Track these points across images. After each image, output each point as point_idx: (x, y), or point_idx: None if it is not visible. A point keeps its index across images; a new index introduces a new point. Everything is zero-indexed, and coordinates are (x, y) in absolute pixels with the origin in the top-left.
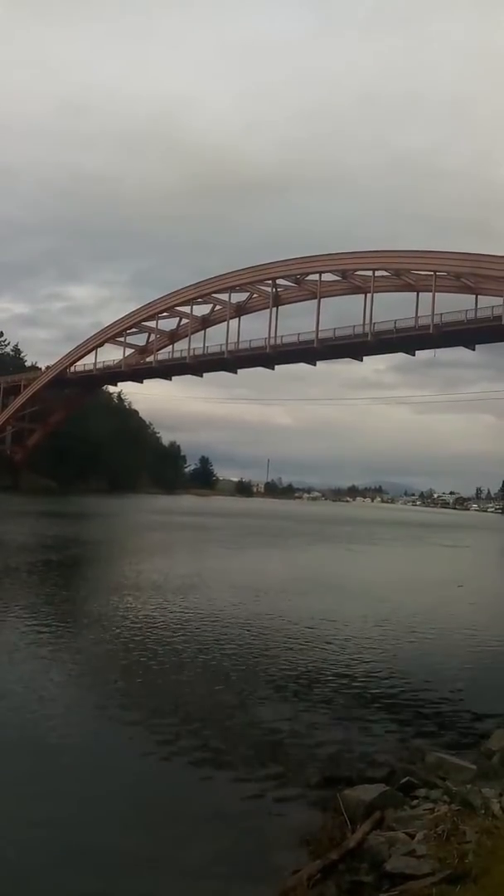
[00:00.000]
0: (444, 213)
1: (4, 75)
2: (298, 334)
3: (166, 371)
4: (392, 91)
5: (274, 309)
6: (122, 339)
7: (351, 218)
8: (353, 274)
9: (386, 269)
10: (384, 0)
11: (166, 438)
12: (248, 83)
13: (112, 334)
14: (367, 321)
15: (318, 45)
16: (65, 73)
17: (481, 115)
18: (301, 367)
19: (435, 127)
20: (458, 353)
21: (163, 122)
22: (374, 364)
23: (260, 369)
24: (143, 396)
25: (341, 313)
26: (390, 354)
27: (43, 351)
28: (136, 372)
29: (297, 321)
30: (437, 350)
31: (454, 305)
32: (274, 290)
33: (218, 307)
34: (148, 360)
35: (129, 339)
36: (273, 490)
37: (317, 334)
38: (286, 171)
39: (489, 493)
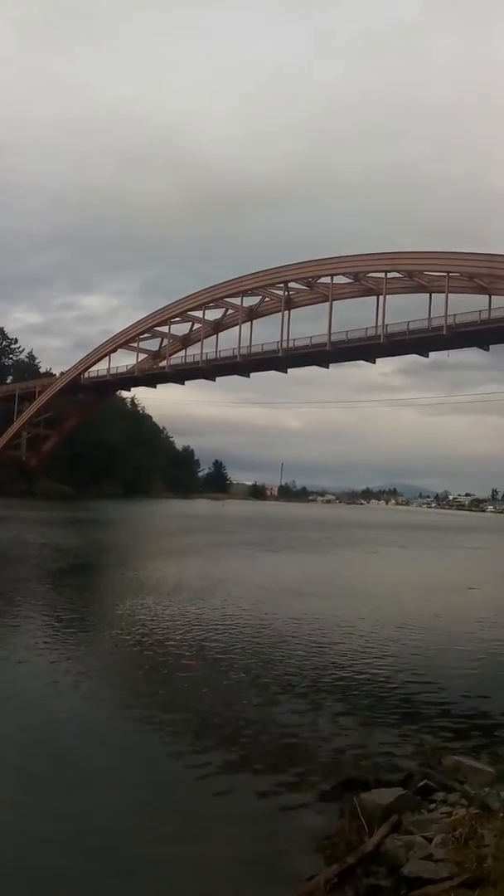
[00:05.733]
0: (442, 218)
1: (18, 95)
2: (310, 337)
3: (179, 376)
4: (388, 103)
5: (286, 312)
6: (134, 344)
7: (351, 225)
8: (366, 276)
9: (398, 271)
10: (378, 19)
11: (179, 443)
12: (248, 99)
13: (125, 340)
14: (380, 323)
15: (315, 61)
16: (73, 93)
17: (475, 125)
18: (310, 371)
19: (431, 136)
20: (464, 354)
21: (167, 137)
22: (381, 367)
23: (270, 373)
24: (157, 401)
25: (350, 318)
26: (397, 357)
27: (56, 359)
28: (150, 377)
29: (307, 325)
30: (445, 351)
31: (467, 306)
32: (286, 293)
33: (230, 311)
34: (161, 364)
35: (142, 345)
36: (287, 493)
37: (329, 336)
38: (287, 180)
39: None
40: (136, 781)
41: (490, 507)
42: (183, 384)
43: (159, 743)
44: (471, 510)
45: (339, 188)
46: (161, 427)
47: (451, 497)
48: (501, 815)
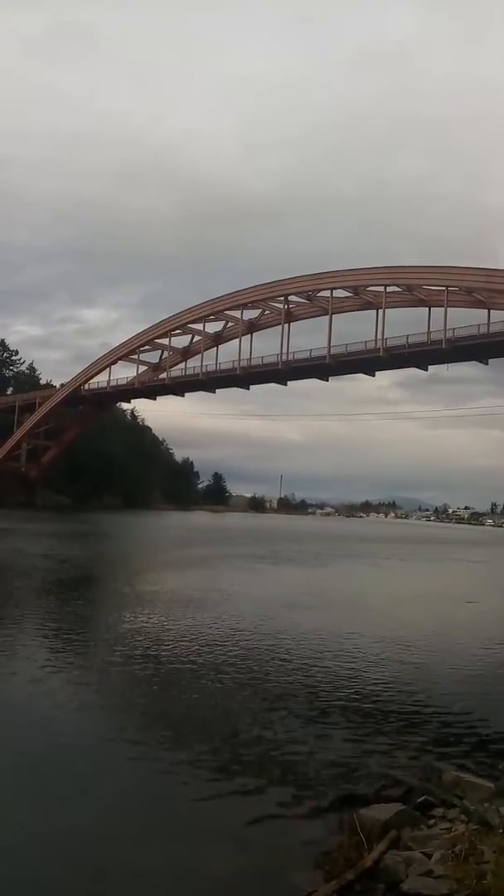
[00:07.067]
0: (441, 233)
1: (19, 109)
2: (310, 350)
3: (179, 388)
4: (385, 117)
5: (286, 325)
6: (135, 356)
7: (349, 239)
8: (365, 290)
9: (397, 285)
10: (372, 37)
11: (179, 455)
12: (246, 114)
13: (126, 352)
14: (380, 336)
15: (312, 76)
16: (73, 108)
17: (472, 140)
18: (309, 384)
19: (428, 151)
20: (463, 368)
21: (165, 152)
22: (379, 381)
23: (270, 386)
24: (157, 413)
25: (349, 331)
26: (394, 371)
27: (56, 371)
28: (150, 389)
29: (307, 338)
30: (443, 365)
31: (466, 320)
32: (286, 306)
33: (230, 324)
34: (161, 376)
35: (143, 357)
36: (286, 506)
37: (329, 349)
38: (285, 195)
39: None
40: (133, 795)
41: (489, 521)
42: (183, 396)
43: (157, 757)
44: (470, 524)
45: (337, 203)
46: (161, 439)
47: (450, 510)
48: (501, 831)
